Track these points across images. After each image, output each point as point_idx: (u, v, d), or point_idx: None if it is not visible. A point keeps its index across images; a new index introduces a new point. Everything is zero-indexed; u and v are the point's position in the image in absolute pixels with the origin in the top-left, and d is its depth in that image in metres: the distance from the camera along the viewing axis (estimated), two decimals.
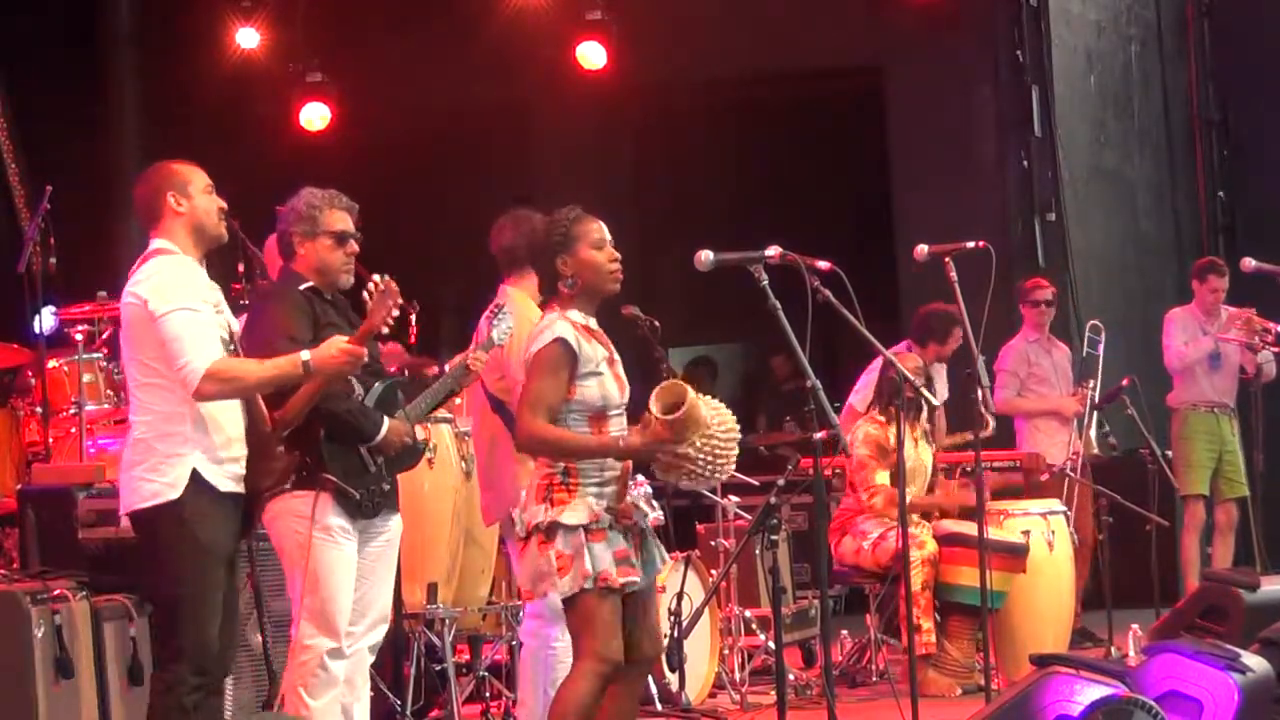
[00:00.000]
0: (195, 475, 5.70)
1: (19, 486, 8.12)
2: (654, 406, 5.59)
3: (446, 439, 7.89)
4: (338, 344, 5.74)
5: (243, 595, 6.89)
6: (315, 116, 12.93)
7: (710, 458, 5.63)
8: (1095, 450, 10.35)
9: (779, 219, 12.05)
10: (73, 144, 12.18)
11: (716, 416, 5.65)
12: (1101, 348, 10.60)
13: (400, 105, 13.29)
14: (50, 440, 9.03)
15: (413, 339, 9.35)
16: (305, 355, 5.74)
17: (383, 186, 12.49)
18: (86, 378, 9.09)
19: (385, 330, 5.77)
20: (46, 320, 9.26)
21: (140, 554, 5.97)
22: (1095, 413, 10.38)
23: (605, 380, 5.74)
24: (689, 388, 5.61)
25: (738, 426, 5.72)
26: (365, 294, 5.95)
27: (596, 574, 5.61)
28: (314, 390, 5.86)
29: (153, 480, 5.73)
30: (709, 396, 5.75)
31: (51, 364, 9.17)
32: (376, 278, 5.81)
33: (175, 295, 5.71)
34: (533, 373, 5.70)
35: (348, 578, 6.14)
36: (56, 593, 6.68)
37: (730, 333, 14.47)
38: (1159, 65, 14.12)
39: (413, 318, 9.43)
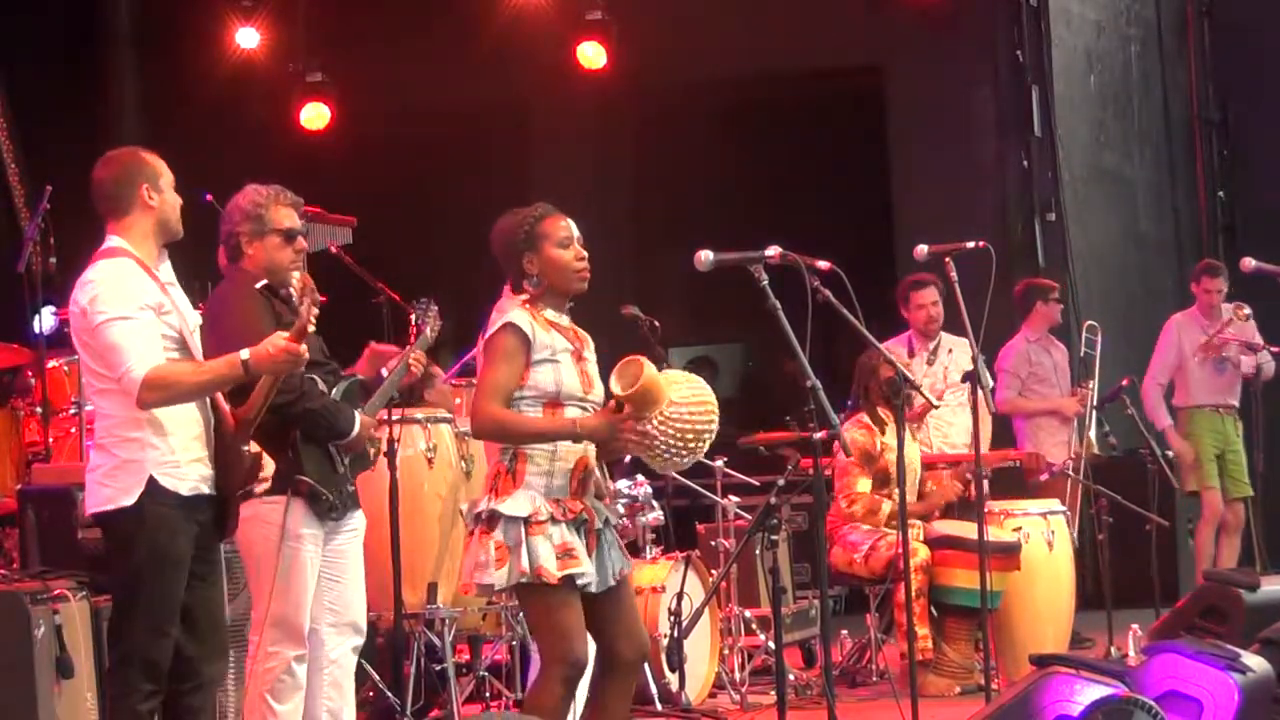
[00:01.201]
0: (152, 481, 5.62)
1: (19, 486, 8.11)
2: (614, 382, 5.53)
3: (446, 439, 7.89)
4: (275, 342, 5.59)
5: (241, 596, 6.90)
6: (315, 116, 12.93)
7: (674, 437, 5.55)
8: (1096, 450, 10.35)
9: (779, 219, 12.04)
10: (73, 144, 12.14)
11: (686, 392, 5.57)
12: (1099, 347, 10.61)
13: (400, 105, 13.29)
14: (50, 440, 9.02)
15: (412, 339, 9.33)
16: (244, 354, 5.60)
17: (383, 186, 12.51)
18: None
19: (312, 327, 5.62)
20: (46, 320, 9.25)
21: (105, 555, 5.94)
22: (1095, 412, 10.39)
23: (562, 368, 5.66)
24: (648, 363, 5.53)
25: (712, 402, 5.62)
26: (291, 291, 5.80)
27: (533, 569, 5.52)
28: (268, 388, 5.74)
29: (109, 485, 5.67)
30: (686, 374, 5.68)
31: (51, 364, 9.16)
32: (295, 275, 5.69)
33: (112, 303, 5.62)
34: (486, 359, 5.68)
35: (313, 583, 6.12)
36: (56, 593, 6.67)
37: (730, 333, 14.47)
38: (1159, 65, 14.13)
39: (412, 317, 9.41)
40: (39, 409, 9.06)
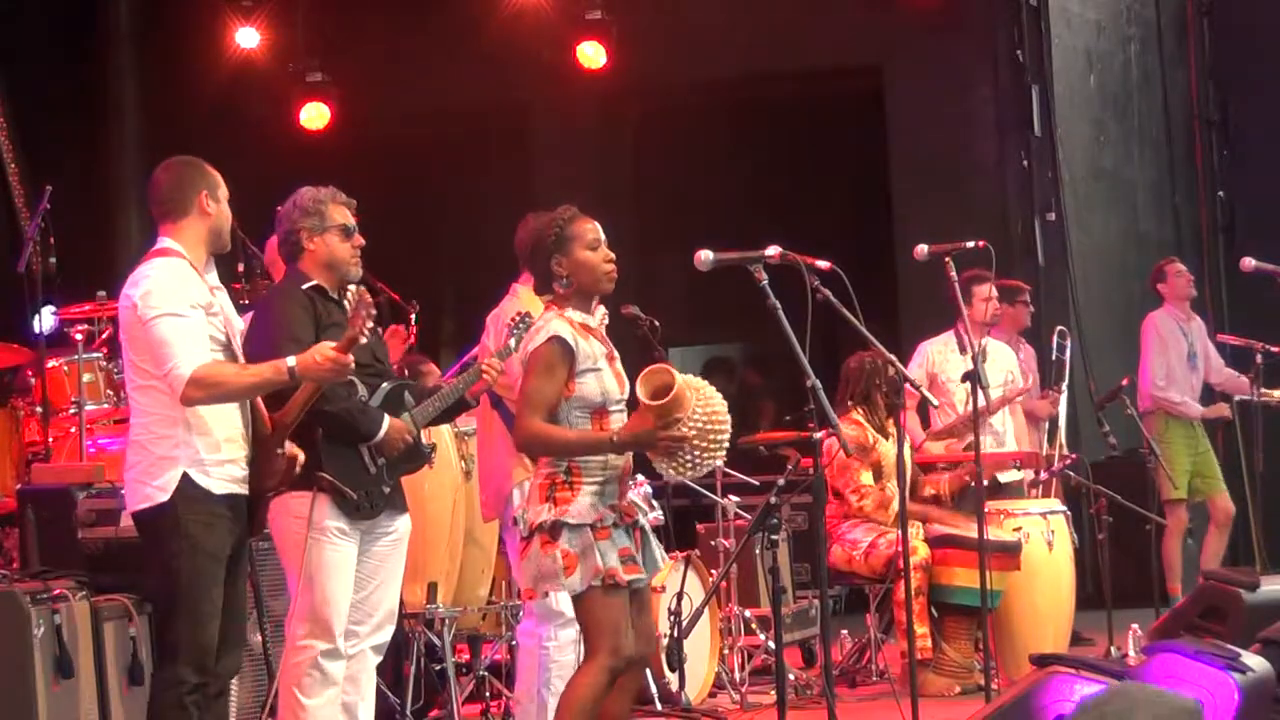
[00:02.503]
0: (186, 478, 5.71)
1: (19, 486, 8.12)
2: (640, 391, 5.58)
3: (446, 439, 7.89)
4: (323, 351, 5.71)
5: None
6: (315, 116, 12.93)
7: (702, 441, 5.63)
8: (1064, 452, 10.30)
9: (779, 219, 12.04)
10: (73, 144, 12.18)
11: (701, 397, 5.64)
12: (1069, 352, 10.59)
13: (400, 105, 13.29)
14: (50, 440, 9.03)
15: (413, 339, 9.34)
16: (291, 361, 5.72)
17: (383, 186, 12.50)
18: (86, 377, 9.09)
19: (364, 339, 5.71)
20: (46, 320, 9.26)
21: (141, 554, 6.00)
22: (1060, 416, 10.37)
23: (604, 376, 5.73)
24: (674, 370, 5.59)
25: (724, 407, 5.70)
26: (345, 302, 5.95)
27: (606, 570, 5.61)
28: (310, 394, 5.85)
29: (146, 483, 5.76)
30: (697, 379, 5.73)
31: (51, 364, 9.16)
32: (351, 288, 5.77)
33: (164, 300, 5.72)
34: (529, 371, 5.71)
35: (345, 578, 6.14)
36: (56, 593, 6.68)
37: (730, 333, 14.48)
38: (1159, 65, 14.12)
39: (413, 317, 9.43)
40: (39, 409, 9.07)
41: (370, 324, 5.70)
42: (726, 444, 5.72)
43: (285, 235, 6.33)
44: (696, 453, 5.66)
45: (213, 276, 5.97)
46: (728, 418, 5.70)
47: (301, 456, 5.95)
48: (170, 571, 5.74)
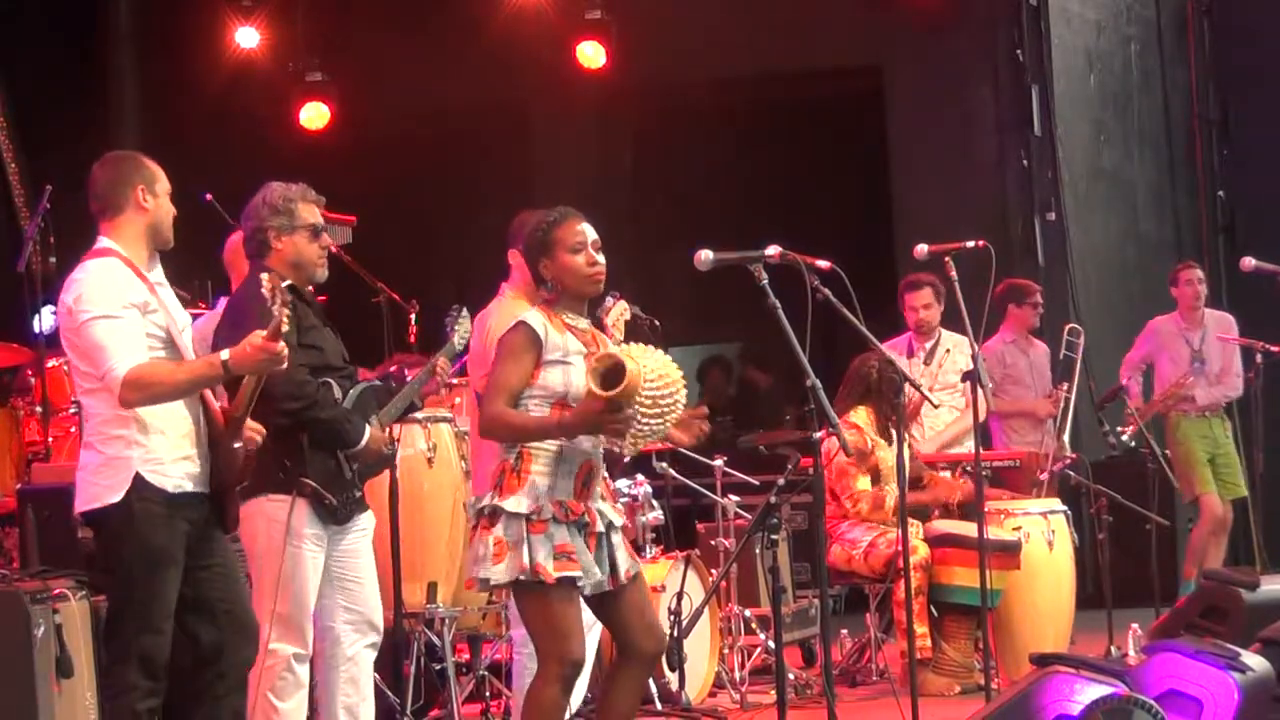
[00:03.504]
0: (138, 478, 5.64)
1: (19, 486, 8.12)
2: (591, 381, 5.49)
3: (446, 439, 7.89)
4: (253, 341, 5.58)
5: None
6: (315, 116, 12.94)
7: (649, 419, 5.54)
8: (1067, 452, 10.32)
9: (779, 219, 12.04)
10: (73, 144, 12.16)
11: (652, 372, 5.54)
12: (1080, 350, 10.58)
13: (400, 105, 13.29)
14: (50, 440, 9.03)
15: (412, 339, 9.34)
16: (224, 355, 5.61)
17: (383, 186, 12.52)
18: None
19: (285, 325, 5.57)
20: (46, 320, 9.25)
21: (96, 555, 5.96)
22: (1069, 415, 10.38)
23: (573, 371, 5.64)
24: (623, 357, 5.50)
25: (673, 373, 5.59)
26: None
27: (531, 567, 5.52)
28: (253, 386, 5.72)
29: (97, 483, 5.69)
30: (643, 347, 5.64)
31: (51, 364, 9.17)
32: (263, 276, 5.70)
33: (96, 302, 5.64)
34: (496, 357, 5.72)
35: (315, 584, 6.15)
36: (56, 592, 6.67)
37: (730, 333, 14.47)
38: (1159, 65, 14.12)
39: (412, 317, 9.43)
40: (39, 408, 9.07)
41: (287, 311, 5.56)
42: (681, 404, 5.60)
43: (252, 232, 6.24)
44: (652, 422, 5.56)
45: (157, 273, 5.85)
46: (678, 379, 5.58)
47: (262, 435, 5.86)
48: (123, 572, 5.68)
